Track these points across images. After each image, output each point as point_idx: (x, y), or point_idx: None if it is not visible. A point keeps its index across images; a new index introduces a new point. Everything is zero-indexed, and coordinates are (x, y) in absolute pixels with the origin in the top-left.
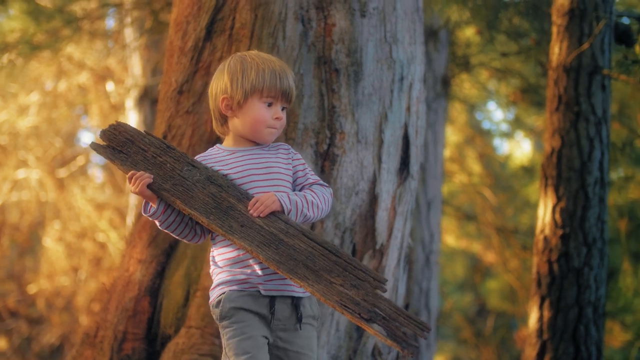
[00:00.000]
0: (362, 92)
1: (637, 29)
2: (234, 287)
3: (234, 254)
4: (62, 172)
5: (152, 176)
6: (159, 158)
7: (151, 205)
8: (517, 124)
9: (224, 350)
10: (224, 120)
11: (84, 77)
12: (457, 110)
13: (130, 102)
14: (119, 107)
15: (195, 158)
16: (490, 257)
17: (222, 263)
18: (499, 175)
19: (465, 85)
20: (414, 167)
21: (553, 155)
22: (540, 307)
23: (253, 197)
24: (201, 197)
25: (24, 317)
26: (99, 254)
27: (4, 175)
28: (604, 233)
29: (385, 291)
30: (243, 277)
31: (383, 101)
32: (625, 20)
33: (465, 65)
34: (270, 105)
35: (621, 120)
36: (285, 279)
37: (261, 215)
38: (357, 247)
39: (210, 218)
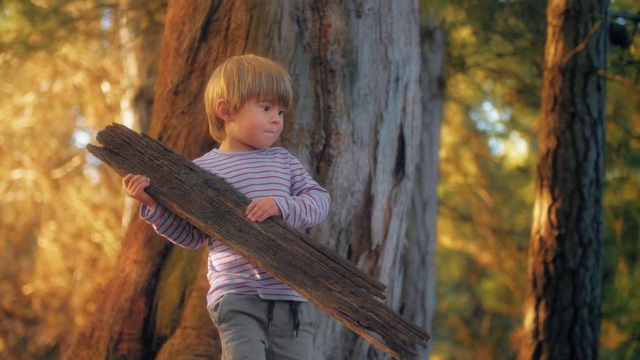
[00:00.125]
0: (357, 92)
1: (633, 29)
2: (232, 291)
3: (232, 258)
4: (58, 173)
5: (149, 179)
6: (156, 161)
7: (149, 209)
8: (512, 124)
9: (223, 353)
10: (220, 124)
11: (79, 78)
12: (452, 111)
13: (125, 103)
14: (114, 108)
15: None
16: (485, 257)
17: (219, 267)
18: (495, 176)
19: (460, 85)
20: (410, 167)
21: (548, 156)
22: (536, 308)
23: (251, 201)
24: (198, 201)
25: (20, 317)
26: (94, 255)
27: None
28: (600, 234)
29: (384, 298)
30: (241, 281)
31: (378, 102)
32: (621, 21)
33: (460, 65)
34: (267, 109)
35: (617, 121)
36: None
37: (259, 220)
38: (353, 247)
39: (207, 223)
